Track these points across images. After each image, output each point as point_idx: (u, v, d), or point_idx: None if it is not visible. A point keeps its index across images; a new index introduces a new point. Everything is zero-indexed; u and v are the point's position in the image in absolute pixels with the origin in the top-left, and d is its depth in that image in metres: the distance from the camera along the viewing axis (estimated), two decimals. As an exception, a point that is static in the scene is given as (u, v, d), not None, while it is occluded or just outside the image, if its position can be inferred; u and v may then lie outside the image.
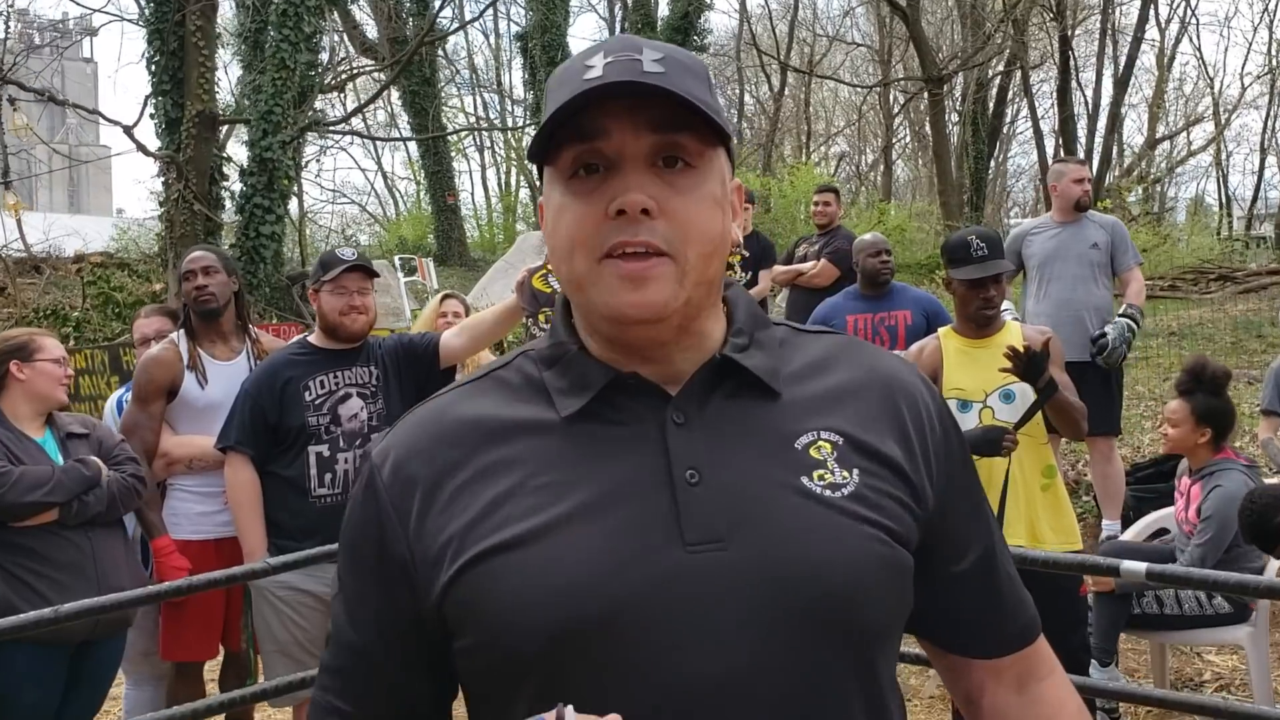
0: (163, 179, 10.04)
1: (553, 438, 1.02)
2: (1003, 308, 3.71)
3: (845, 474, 1.02)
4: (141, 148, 9.91)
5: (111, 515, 3.33)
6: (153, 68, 10.23)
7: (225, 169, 10.60)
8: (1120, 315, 5.47)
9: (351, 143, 27.04)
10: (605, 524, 0.97)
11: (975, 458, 3.35)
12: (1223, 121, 29.10)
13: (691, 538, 0.96)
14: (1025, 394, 3.49)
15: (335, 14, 20.75)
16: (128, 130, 9.59)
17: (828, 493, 1.00)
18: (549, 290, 3.47)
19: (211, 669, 4.20)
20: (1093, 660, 3.90)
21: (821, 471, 1.01)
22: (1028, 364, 3.35)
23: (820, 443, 1.03)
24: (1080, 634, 3.60)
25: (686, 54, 1.03)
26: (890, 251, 5.64)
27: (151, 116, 10.37)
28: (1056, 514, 3.54)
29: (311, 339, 3.70)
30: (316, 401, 3.55)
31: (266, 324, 9.01)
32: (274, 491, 3.56)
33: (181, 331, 3.90)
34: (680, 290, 0.98)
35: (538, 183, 1.14)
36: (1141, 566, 2.65)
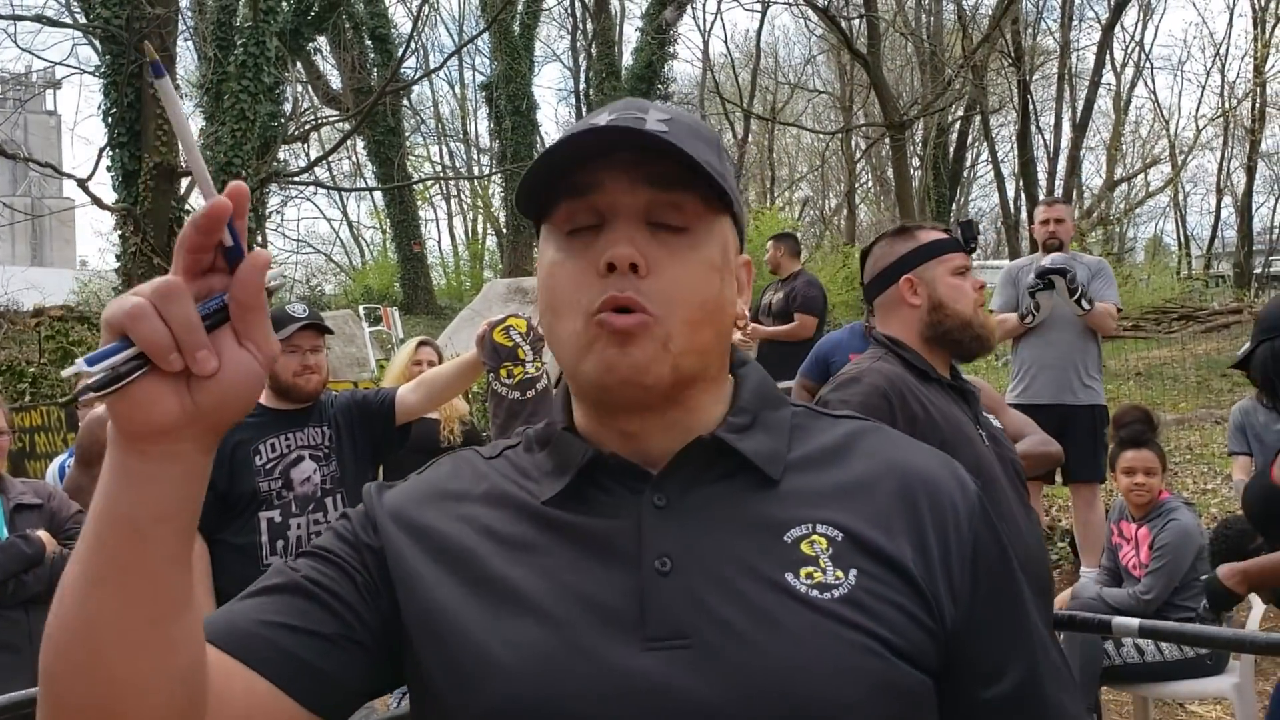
0: (120, 232, 9.88)
1: (531, 519, 0.96)
2: None
3: (839, 574, 0.90)
4: (96, 200, 9.75)
5: (53, 595, 3.17)
6: (109, 120, 10.10)
7: (185, 221, 10.44)
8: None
9: (315, 193, 26.93)
10: (563, 607, 0.90)
11: None
12: (1179, 163, 29.59)
13: (653, 632, 0.87)
14: None
15: (299, 65, 20.75)
16: (82, 184, 9.43)
17: (814, 593, 0.89)
18: (509, 344, 3.36)
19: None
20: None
21: (811, 569, 0.90)
22: None
23: (815, 537, 0.92)
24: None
25: (696, 119, 0.99)
26: None
27: (109, 169, 10.21)
28: None
29: (260, 398, 3.56)
30: (267, 466, 3.41)
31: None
32: (224, 561, 3.38)
33: (129, 392, 3.76)
34: (665, 355, 0.91)
35: (534, 239, 1.06)
36: (1135, 622, 2.57)
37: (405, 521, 0.98)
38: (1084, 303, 5.33)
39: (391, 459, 5.43)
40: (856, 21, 19.22)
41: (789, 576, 0.89)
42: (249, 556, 3.37)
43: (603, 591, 0.90)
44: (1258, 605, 4.08)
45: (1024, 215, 21.25)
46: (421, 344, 4.88)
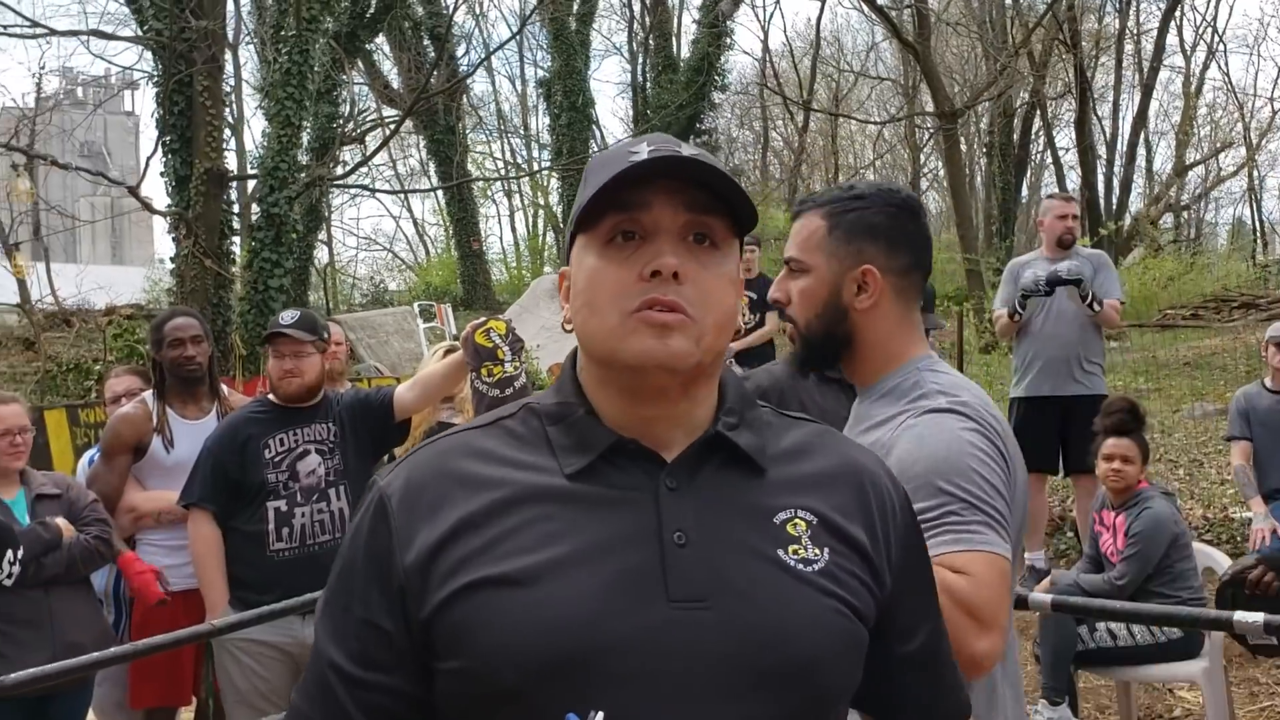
0: (173, 236, 10.28)
1: (555, 489, 1.09)
2: None
3: (817, 551, 1.10)
4: (146, 205, 10.17)
5: (71, 576, 3.44)
6: (161, 127, 10.51)
7: (236, 224, 10.81)
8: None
9: (371, 192, 27.41)
10: (598, 571, 1.04)
11: None
12: (1253, 146, 28.82)
13: (676, 594, 1.04)
14: None
15: (360, 64, 21.18)
16: (132, 190, 9.85)
17: (800, 566, 1.09)
18: (489, 345, 3.58)
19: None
20: (1042, 699, 3.93)
21: (796, 547, 1.10)
22: None
23: (797, 520, 1.12)
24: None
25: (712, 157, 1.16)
26: None
27: (162, 175, 10.63)
28: None
29: (272, 397, 3.83)
30: (275, 459, 3.67)
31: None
32: (235, 546, 3.68)
33: (152, 391, 4.05)
34: (696, 349, 1.08)
35: (564, 254, 1.20)
36: (1047, 598, 2.72)
37: (436, 546, 1.07)
38: (1094, 305, 5.45)
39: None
40: (909, 11, 19.13)
41: (780, 552, 1.09)
42: (257, 543, 3.64)
43: (630, 558, 1.05)
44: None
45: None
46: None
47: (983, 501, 1.50)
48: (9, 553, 2.82)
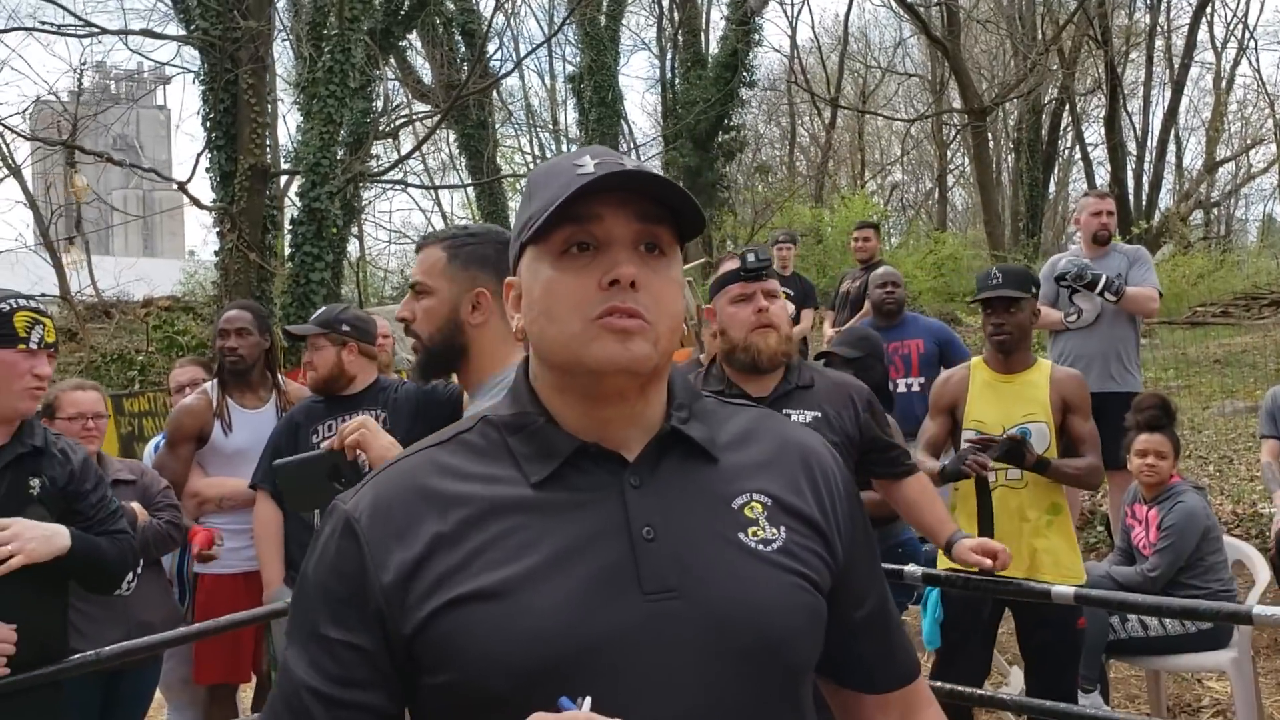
0: (217, 230, 10.51)
1: (523, 499, 1.13)
2: None
3: (775, 531, 1.17)
4: (195, 201, 10.40)
5: (144, 558, 3.60)
6: (207, 124, 10.73)
7: (277, 219, 11.02)
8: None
9: (404, 187, 27.59)
10: (573, 575, 1.09)
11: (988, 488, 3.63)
12: (1283, 142, 28.57)
13: (649, 587, 1.10)
14: (1042, 432, 3.64)
15: (392, 60, 21.32)
16: (181, 186, 10.07)
17: (761, 547, 1.16)
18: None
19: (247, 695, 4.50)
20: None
21: (755, 528, 1.16)
22: (1005, 454, 3.50)
23: (753, 503, 1.18)
24: (1072, 674, 3.67)
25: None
26: (898, 283, 5.90)
27: (207, 171, 10.87)
28: (1059, 550, 3.63)
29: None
30: (321, 445, 3.83)
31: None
32: (292, 529, 3.87)
33: (214, 382, 4.22)
34: (654, 352, 1.13)
35: (512, 265, 1.24)
36: (1070, 590, 2.83)
37: (413, 565, 1.10)
38: (1109, 294, 5.52)
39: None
40: (938, 7, 19.13)
41: (741, 535, 1.15)
42: (309, 527, 3.78)
43: (602, 558, 1.10)
44: (1260, 581, 4.25)
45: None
46: None
47: None
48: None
